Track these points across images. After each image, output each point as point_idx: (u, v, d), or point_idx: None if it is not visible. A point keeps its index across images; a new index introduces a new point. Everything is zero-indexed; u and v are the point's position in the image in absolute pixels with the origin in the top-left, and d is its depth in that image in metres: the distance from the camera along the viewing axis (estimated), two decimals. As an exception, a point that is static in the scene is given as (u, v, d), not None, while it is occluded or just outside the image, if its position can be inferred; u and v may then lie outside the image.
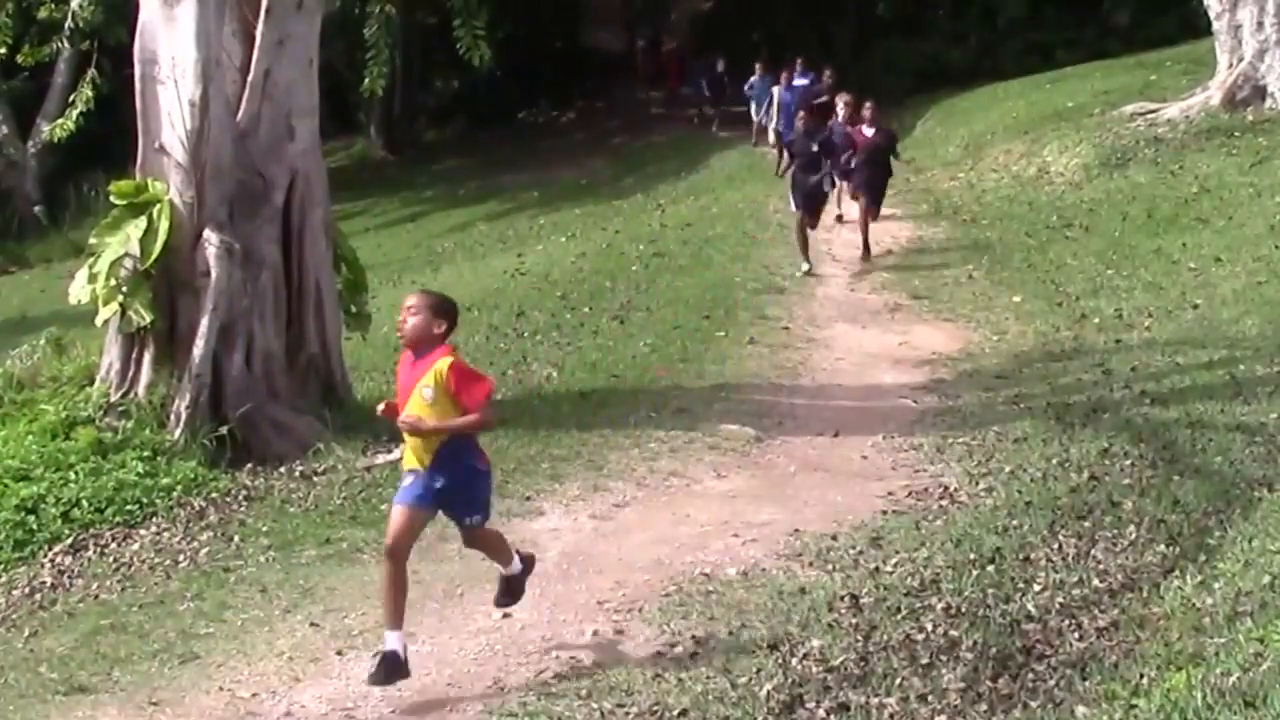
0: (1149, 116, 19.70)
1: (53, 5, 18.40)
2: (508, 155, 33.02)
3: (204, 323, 9.09)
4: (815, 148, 14.98)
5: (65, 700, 5.89)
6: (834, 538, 7.38)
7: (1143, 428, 8.87)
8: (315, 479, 8.81)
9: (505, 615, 6.58)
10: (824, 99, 21.10)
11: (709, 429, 9.68)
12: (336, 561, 7.42)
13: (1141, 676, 5.26)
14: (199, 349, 9.06)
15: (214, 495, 8.56)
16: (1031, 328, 12.46)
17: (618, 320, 13.30)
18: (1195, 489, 7.56)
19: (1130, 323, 12.14)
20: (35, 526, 8.04)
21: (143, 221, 9.22)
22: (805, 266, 14.90)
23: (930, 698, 5.40)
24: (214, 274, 9.13)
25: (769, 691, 5.48)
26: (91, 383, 9.63)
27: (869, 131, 16.01)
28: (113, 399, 9.30)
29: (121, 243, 9.27)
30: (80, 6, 16.09)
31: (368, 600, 6.83)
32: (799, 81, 25.14)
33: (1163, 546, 6.78)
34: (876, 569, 6.78)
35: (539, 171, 29.33)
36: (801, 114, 16.90)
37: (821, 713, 5.35)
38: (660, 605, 6.59)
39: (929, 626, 6.00)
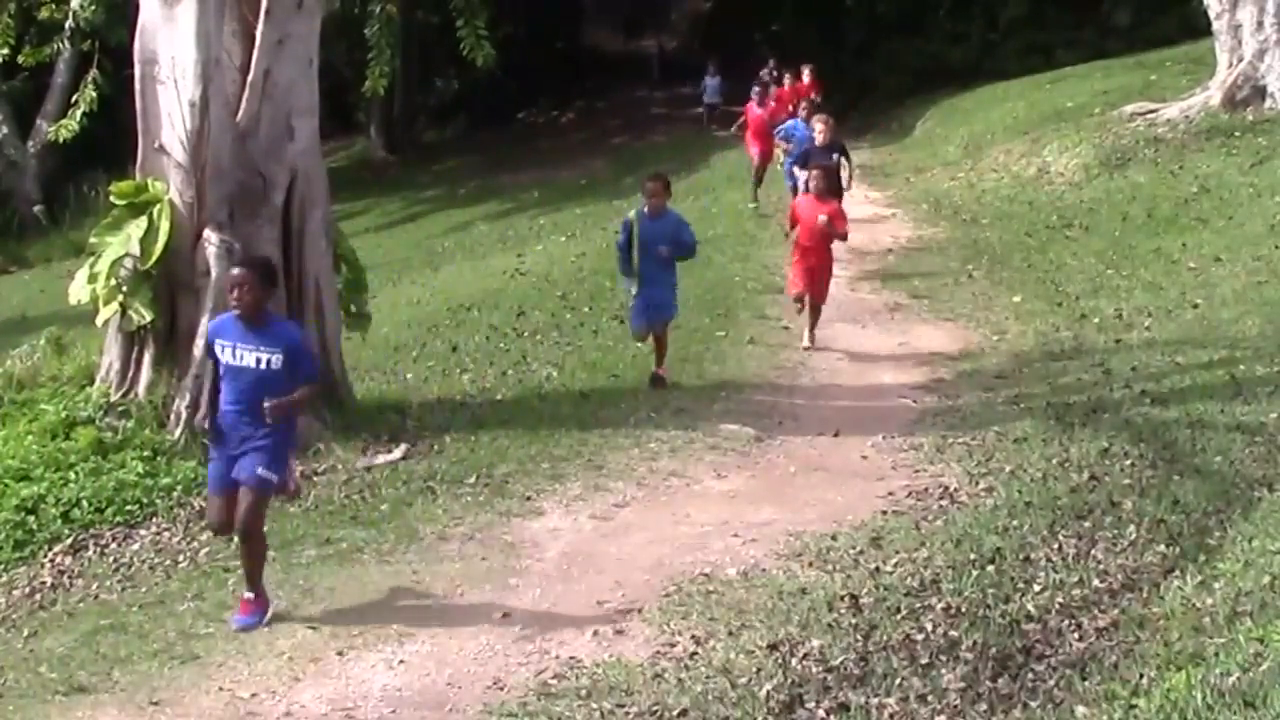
0: (1149, 116, 19.72)
1: (53, 5, 18.42)
2: (508, 155, 33.04)
3: (204, 322, 9.07)
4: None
5: (65, 700, 5.89)
6: (834, 538, 7.38)
7: (1143, 428, 8.87)
8: (315, 479, 8.80)
9: (505, 615, 6.59)
10: None
11: (709, 429, 9.68)
12: (336, 561, 7.42)
13: (1141, 676, 5.26)
14: (199, 349, 9.05)
15: (214, 495, 8.54)
16: (1031, 328, 12.45)
17: (618, 320, 13.28)
18: (1195, 489, 7.56)
19: (1130, 323, 12.14)
20: (35, 526, 8.04)
21: (143, 221, 9.22)
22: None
23: (930, 698, 5.40)
24: (214, 274, 9.12)
25: (769, 691, 5.48)
26: (91, 383, 9.63)
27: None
28: (113, 399, 9.30)
29: (122, 243, 9.27)
30: (80, 6, 16.09)
31: (367, 600, 6.84)
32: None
33: (1163, 546, 6.78)
34: (876, 569, 6.78)
35: (539, 171, 29.32)
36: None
37: (821, 713, 5.36)
38: (660, 605, 6.59)
39: (929, 626, 6.00)
